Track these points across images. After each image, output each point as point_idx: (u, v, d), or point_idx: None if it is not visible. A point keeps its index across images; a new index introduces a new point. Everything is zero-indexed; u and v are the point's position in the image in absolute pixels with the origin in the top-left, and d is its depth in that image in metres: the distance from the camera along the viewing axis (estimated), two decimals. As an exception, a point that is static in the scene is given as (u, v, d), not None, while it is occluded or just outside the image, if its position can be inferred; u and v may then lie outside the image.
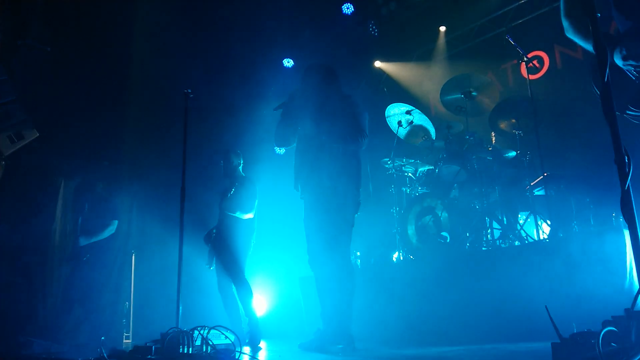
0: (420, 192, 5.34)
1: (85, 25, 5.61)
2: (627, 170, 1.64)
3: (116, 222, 5.19)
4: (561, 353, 1.63)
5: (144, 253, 5.82)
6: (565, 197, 4.67)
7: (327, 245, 3.46)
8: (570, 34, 2.35)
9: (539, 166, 4.64)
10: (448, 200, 4.85)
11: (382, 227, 5.82)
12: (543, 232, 4.54)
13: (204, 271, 4.73)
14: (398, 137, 5.48)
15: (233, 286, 4.46)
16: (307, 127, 3.59)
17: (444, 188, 5.07)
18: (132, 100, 6.13)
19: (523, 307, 3.48)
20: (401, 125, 5.49)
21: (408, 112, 5.43)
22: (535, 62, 5.02)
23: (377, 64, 7.71)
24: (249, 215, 4.54)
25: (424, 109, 6.19)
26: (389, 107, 5.53)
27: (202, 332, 2.71)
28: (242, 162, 4.72)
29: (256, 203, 4.59)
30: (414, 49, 7.57)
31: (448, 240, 4.68)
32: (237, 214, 4.48)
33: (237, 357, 2.75)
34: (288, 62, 7.35)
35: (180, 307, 3.25)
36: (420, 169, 5.49)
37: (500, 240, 4.61)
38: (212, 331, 2.75)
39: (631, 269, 3.14)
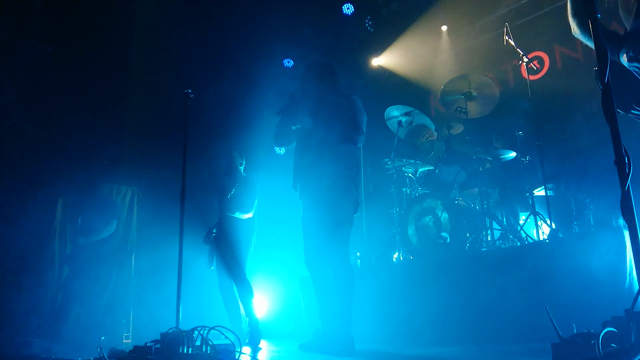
0: (420, 193, 5.34)
1: (85, 25, 5.62)
2: (627, 170, 1.64)
3: (115, 221, 5.19)
4: (561, 353, 1.63)
5: (143, 253, 5.82)
6: (565, 198, 4.68)
7: (325, 246, 3.46)
8: (577, 34, 2.34)
9: (539, 166, 4.64)
10: (448, 201, 4.85)
11: (382, 227, 5.82)
12: (543, 232, 4.54)
13: (204, 271, 4.73)
14: (398, 138, 5.48)
15: (234, 286, 4.46)
16: (305, 124, 3.59)
17: (444, 188, 5.07)
18: (132, 99, 6.14)
19: (523, 307, 3.48)
20: (401, 126, 5.49)
21: (408, 113, 5.43)
22: (535, 62, 5.02)
23: (378, 64, 7.71)
24: (249, 215, 4.54)
25: (424, 109, 6.19)
26: (389, 108, 5.53)
27: (202, 332, 2.71)
28: (244, 162, 4.72)
29: (256, 203, 4.59)
30: (414, 49, 7.57)
31: (448, 241, 4.68)
32: (237, 214, 4.48)
33: (237, 357, 2.75)
34: (288, 62, 7.35)
35: (180, 307, 3.25)
36: (420, 169, 5.49)
37: (500, 241, 4.61)
38: (212, 331, 2.75)
39: (631, 269, 3.14)
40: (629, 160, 1.65)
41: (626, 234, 3.22)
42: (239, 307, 4.46)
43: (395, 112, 5.50)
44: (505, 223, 4.74)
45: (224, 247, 4.46)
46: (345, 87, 3.85)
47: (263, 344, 4.32)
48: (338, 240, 3.43)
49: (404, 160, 5.44)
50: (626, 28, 2.22)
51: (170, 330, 2.77)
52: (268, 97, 6.61)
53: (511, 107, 5.02)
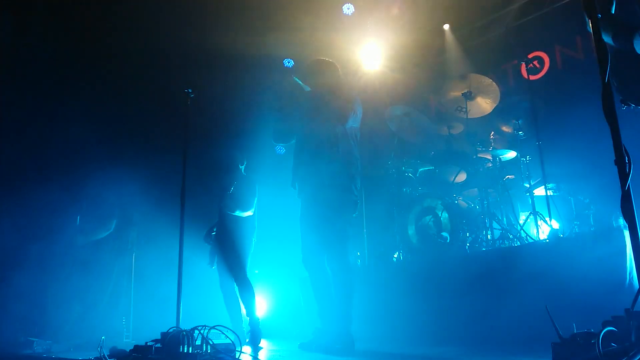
0: (420, 192, 5.34)
1: (85, 25, 5.62)
2: (627, 170, 1.64)
3: (114, 221, 5.19)
4: (561, 353, 1.63)
5: (143, 252, 5.82)
6: (565, 197, 4.68)
7: (322, 245, 3.46)
8: (590, 28, 2.36)
9: (539, 166, 4.64)
10: (448, 201, 4.85)
11: (382, 227, 5.82)
12: (543, 232, 4.54)
13: (204, 270, 4.73)
14: (398, 138, 5.48)
15: (235, 285, 4.46)
16: (303, 109, 3.60)
17: (444, 188, 5.07)
18: (132, 99, 6.13)
19: (523, 307, 3.47)
20: (402, 126, 5.50)
21: (408, 113, 5.43)
22: (535, 62, 5.02)
23: (378, 63, 7.70)
24: (248, 213, 4.54)
25: (424, 109, 6.19)
26: (389, 108, 5.53)
27: (202, 331, 2.71)
28: (245, 162, 4.73)
29: (255, 201, 4.59)
30: (414, 49, 7.56)
31: (448, 241, 4.68)
32: (237, 213, 4.47)
33: (237, 356, 2.75)
34: (288, 62, 7.35)
35: (181, 307, 3.25)
36: (420, 169, 5.49)
37: (500, 241, 4.61)
38: (212, 331, 2.75)
39: (631, 269, 3.14)
40: (629, 160, 1.65)
41: (626, 233, 3.22)
42: (240, 306, 4.46)
43: (395, 112, 5.50)
44: (505, 223, 4.75)
45: (225, 246, 4.46)
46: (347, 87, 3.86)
47: (263, 343, 4.32)
48: (336, 239, 3.43)
49: (404, 160, 5.44)
50: None
51: (171, 330, 2.78)
52: (268, 97, 6.60)
53: (511, 107, 5.01)
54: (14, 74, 5.15)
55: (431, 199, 4.97)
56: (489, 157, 5.02)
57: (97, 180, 5.28)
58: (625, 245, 3.21)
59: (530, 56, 4.97)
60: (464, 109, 5.19)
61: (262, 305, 5.77)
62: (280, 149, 6.38)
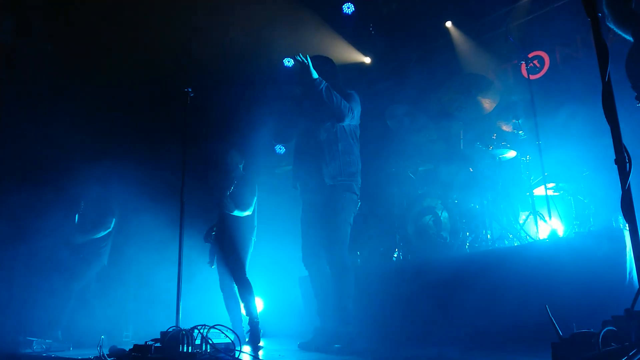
0: (420, 192, 5.33)
1: (86, 24, 5.62)
2: (627, 170, 1.64)
3: (114, 220, 5.19)
4: (561, 353, 1.63)
5: (143, 252, 5.82)
6: (565, 197, 4.68)
7: (323, 245, 3.46)
8: (610, 23, 2.41)
9: (539, 166, 4.64)
10: (448, 200, 4.85)
11: (382, 227, 5.82)
12: (543, 232, 4.54)
13: (204, 270, 4.73)
14: (398, 137, 5.48)
15: (235, 285, 4.46)
16: (305, 107, 3.60)
17: (444, 188, 5.07)
18: (132, 98, 6.13)
19: (523, 306, 3.47)
20: (402, 125, 5.49)
21: (408, 112, 5.43)
22: (535, 62, 5.02)
23: (378, 63, 7.70)
24: (248, 213, 4.54)
25: (425, 108, 6.19)
26: (389, 107, 5.53)
27: (202, 331, 2.71)
28: (244, 161, 4.73)
29: (255, 200, 4.59)
30: (414, 49, 7.56)
31: (448, 240, 4.68)
32: (236, 212, 4.47)
33: (237, 356, 2.75)
34: (288, 62, 7.34)
35: (180, 306, 3.25)
36: (420, 169, 5.49)
37: (500, 240, 4.61)
38: (212, 330, 2.75)
39: (631, 268, 3.14)
40: (629, 159, 1.65)
41: (626, 233, 3.22)
42: (239, 305, 4.46)
43: (395, 111, 5.50)
44: (505, 222, 4.74)
45: (225, 246, 4.46)
46: (346, 85, 3.85)
47: (263, 342, 4.32)
48: (336, 239, 3.43)
49: (404, 159, 5.44)
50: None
51: (171, 329, 2.78)
52: (268, 97, 6.60)
53: (511, 107, 5.01)
54: (14, 74, 5.15)
55: (431, 198, 4.97)
56: (489, 157, 5.01)
57: (97, 180, 5.28)
58: (625, 245, 3.21)
59: (530, 55, 4.96)
60: (464, 109, 5.19)
61: (262, 304, 5.78)
62: (280, 148, 6.38)
